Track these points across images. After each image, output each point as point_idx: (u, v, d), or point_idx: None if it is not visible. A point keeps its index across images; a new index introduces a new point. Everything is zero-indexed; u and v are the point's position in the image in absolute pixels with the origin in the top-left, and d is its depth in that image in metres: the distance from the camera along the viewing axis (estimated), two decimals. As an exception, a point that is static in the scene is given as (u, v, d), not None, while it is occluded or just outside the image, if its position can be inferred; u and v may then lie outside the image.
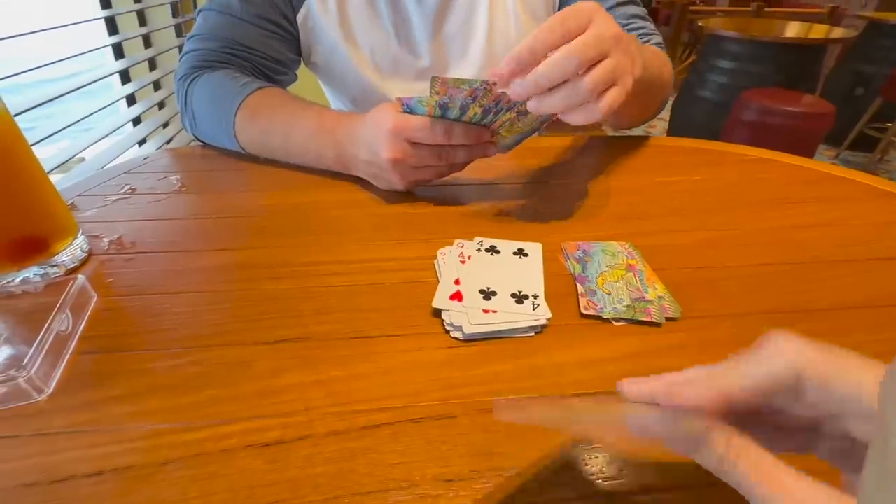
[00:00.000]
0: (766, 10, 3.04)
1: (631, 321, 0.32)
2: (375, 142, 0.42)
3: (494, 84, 0.36)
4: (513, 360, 0.29)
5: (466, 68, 0.61)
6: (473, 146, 0.43)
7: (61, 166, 1.01)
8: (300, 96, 0.54)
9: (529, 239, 0.41)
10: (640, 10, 0.60)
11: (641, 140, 0.62)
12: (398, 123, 0.41)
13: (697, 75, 2.38)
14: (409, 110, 0.41)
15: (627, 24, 0.59)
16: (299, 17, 0.57)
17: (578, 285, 0.36)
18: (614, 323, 0.32)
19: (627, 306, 0.33)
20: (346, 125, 0.46)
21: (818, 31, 2.34)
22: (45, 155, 1.00)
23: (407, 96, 0.40)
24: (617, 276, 0.36)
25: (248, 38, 0.56)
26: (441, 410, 0.26)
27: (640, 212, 0.46)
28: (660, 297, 0.34)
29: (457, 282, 0.34)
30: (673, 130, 2.56)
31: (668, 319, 0.32)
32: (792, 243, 0.42)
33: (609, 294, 0.35)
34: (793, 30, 2.39)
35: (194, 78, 0.55)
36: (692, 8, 3.26)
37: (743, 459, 0.15)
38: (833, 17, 2.98)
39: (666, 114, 2.75)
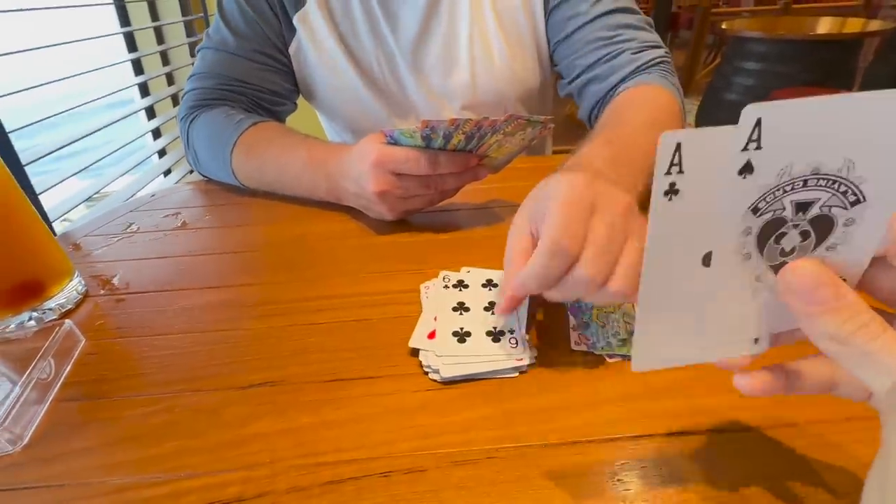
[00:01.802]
0: (794, 6, 2.93)
1: (626, 357, 0.30)
2: (361, 175, 0.42)
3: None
4: (494, 404, 0.27)
5: (450, 100, 0.61)
6: (462, 173, 0.42)
7: (94, 196, 1.06)
8: (293, 129, 0.54)
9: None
10: (634, 19, 0.55)
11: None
12: (382, 156, 0.40)
13: (722, 78, 2.30)
14: (394, 141, 0.40)
15: (616, 36, 0.53)
16: (291, 49, 0.59)
17: (571, 317, 0.33)
18: (608, 359, 0.30)
19: (623, 340, 0.31)
20: (334, 158, 0.46)
21: (853, 25, 2.22)
22: (79, 188, 1.06)
23: (389, 128, 0.39)
24: (614, 307, 0.34)
25: (243, 73, 0.57)
26: (411, 463, 0.24)
27: (644, 233, 0.43)
28: None
29: (436, 319, 0.32)
30: (699, 136, 2.48)
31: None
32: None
33: (603, 326, 0.32)
34: (824, 26, 2.28)
35: (194, 118, 0.56)
36: (714, 10, 3.18)
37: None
38: (868, 10, 2.83)
39: (691, 118, 2.67)
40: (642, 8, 0.60)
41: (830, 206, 0.16)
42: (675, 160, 0.15)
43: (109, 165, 1.15)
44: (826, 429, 0.25)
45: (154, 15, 1.29)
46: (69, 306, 0.38)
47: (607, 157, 0.36)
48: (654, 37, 0.55)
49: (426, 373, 0.29)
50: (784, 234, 0.16)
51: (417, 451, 0.25)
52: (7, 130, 0.76)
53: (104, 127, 1.09)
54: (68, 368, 0.32)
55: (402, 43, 0.58)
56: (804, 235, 0.16)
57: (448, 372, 0.28)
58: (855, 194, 0.16)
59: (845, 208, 0.16)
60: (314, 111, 0.71)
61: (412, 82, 0.60)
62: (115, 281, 0.41)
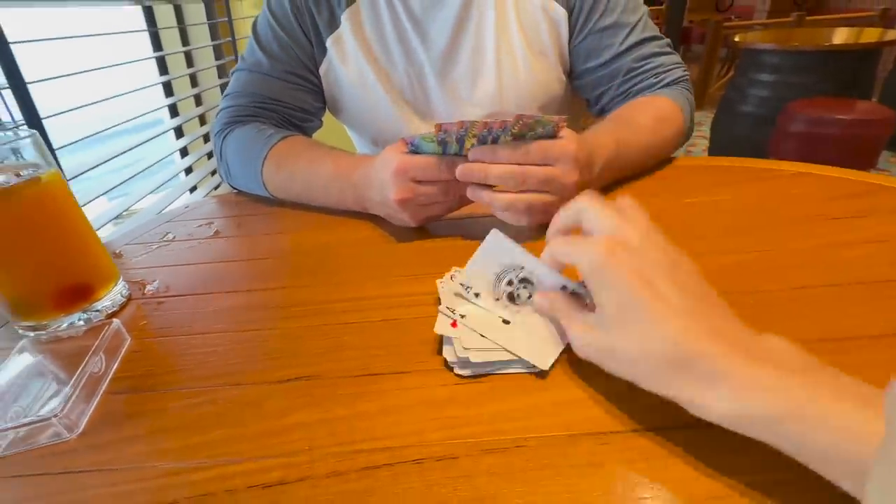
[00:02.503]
0: (808, 19, 2.92)
1: None
2: (384, 184, 0.44)
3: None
4: (519, 397, 0.28)
5: (475, 108, 0.63)
6: None
7: (122, 214, 1.11)
8: (321, 142, 0.57)
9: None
10: (659, 46, 0.60)
11: (660, 163, 0.60)
12: (402, 164, 0.42)
13: (736, 90, 2.30)
14: (415, 149, 0.42)
15: (645, 64, 0.59)
16: (322, 70, 0.62)
17: (593, 316, 0.34)
18: (630, 356, 0.31)
19: None
20: (360, 169, 0.48)
21: (870, 35, 2.21)
22: (108, 206, 1.11)
23: (410, 136, 0.41)
24: None
25: (275, 92, 0.60)
26: (442, 451, 0.25)
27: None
28: None
29: (453, 324, 0.33)
30: (714, 147, 2.47)
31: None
32: (833, 263, 0.38)
33: None
34: (840, 36, 2.28)
35: (227, 133, 0.60)
36: (726, 24, 3.19)
37: None
38: (885, 20, 2.81)
39: (706, 129, 2.67)
40: (654, 23, 0.64)
41: (518, 274, 0.32)
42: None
43: (138, 182, 1.21)
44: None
45: (185, 40, 1.37)
46: (114, 308, 0.40)
47: (609, 155, 0.48)
48: (675, 58, 0.61)
49: (451, 368, 0.31)
50: (518, 293, 0.33)
51: (447, 439, 0.26)
52: (55, 147, 0.81)
53: (137, 146, 1.15)
54: (116, 364, 0.34)
55: (432, 56, 0.62)
56: (526, 289, 0.32)
57: (477, 357, 0.29)
58: (520, 265, 0.32)
59: (523, 268, 0.32)
60: (340, 126, 0.74)
61: (440, 93, 0.63)
62: (155, 285, 0.44)
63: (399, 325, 0.36)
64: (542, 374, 0.30)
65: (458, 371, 0.30)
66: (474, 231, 0.48)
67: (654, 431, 0.26)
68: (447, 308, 0.33)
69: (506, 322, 0.32)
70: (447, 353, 0.31)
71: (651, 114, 0.56)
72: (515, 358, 0.30)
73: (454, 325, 0.32)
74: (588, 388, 0.29)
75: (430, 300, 0.38)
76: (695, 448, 0.24)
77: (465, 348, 0.30)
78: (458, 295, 0.34)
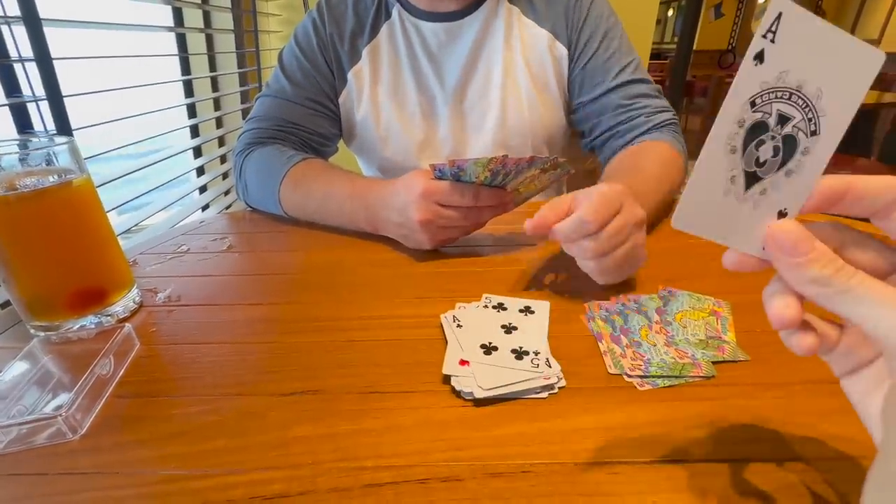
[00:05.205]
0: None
1: (670, 377, 0.31)
2: (407, 205, 0.45)
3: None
4: (526, 422, 0.28)
5: (482, 136, 0.67)
6: (497, 206, 0.46)
7: (133, 228, 1.13)
8: (338, 165, 0.59)
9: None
10: (648, 88, 0.63)
11: (676, 202, 0.62)
12: (429, 188, 0.44)
13: (739, 142, 2.36)
14: (441, 175, 0.44)
15: (634, 103, 0.61)
16: (341, 99, 0.66)
17: (600, 344, 0.35)
18: (638, 388, 0.31)
19: (701, 340, 0.34)
20: (377, 191, 0.50)
21: (868, 98, 2.29)
22: (125, 216, 1.13)
23: (440, 163, 0.43)
24: (698, 316, 0.37)
25: (296, 117, 0.63)
26: (447, 472, 0.25)
27: (668, 274, 0.45)
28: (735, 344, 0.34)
29: (462, 362, 0.33)
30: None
31: (704, 378, 0.31)
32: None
33: (685, 328, 0.35)
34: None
35: (249, 153, 0.62)
36: (728, 80, 3.32)
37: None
38: (882, 83, 2.92)
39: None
40: (659, 76, 0.68)
41: (798, 129, 0.18)
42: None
43: (152, 197, 1.23)
44: (864, 465, 0.25)
45: (212, 66, 1.44)
46: (126, 314, 0.41)
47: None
48: (664, 102, 0.63)
49: (458, 393, 0.30)
50: (763, 142, 0.18)
51: (453, 461, 0.26)
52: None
53: (156, 163, 1.18)
54: (124, 369, 0.34)
55: (444, 88, 0.66)
56: (775, 151, 0.18)
57: (481, 394, 0.29)
58: (815, 125, 0.18)
59: (807, 136, 0.18)
60: (350, 153, 0.77)
61: (449, 123, 0.67)
62: (167, 294, 0.44)
63: (406, 345, 0.36)
64: (548, 402, 0.30)
65: (465, 396, 0.30)
66: (486, 258, 0.49)
67: (665, 464, 0.25)
68: (457, 342, 0.34)
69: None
70: (455, 382, 0.31)
71: (658, 161, 0.55)
72: (524, 388, 0.30)
73: (463, 363, 0.32)
74: (596, 417, 0.28)
75: (436, 323, 0.38)
76: (706, 484, 0.24)
77: (479, 387, 0.30)
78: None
